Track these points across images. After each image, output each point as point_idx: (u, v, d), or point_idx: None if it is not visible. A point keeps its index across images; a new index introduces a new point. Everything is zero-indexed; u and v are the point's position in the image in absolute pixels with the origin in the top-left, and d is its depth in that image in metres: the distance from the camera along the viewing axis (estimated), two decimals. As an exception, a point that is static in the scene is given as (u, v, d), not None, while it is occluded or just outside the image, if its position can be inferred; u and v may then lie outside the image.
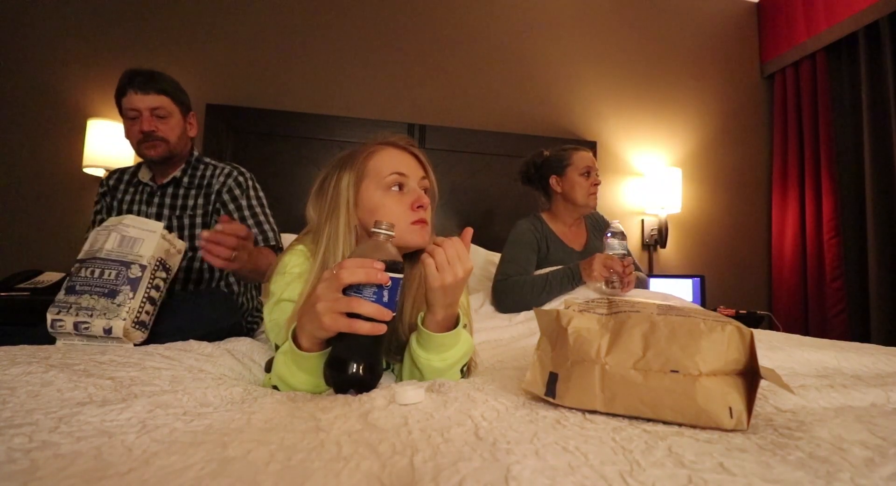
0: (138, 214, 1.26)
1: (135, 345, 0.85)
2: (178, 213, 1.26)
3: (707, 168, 2.50)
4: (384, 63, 2.21)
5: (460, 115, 2.25)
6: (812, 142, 2.30)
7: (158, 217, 1.25)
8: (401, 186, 0.73)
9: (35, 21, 1.93)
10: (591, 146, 2.33)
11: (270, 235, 1.27)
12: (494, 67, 2.31)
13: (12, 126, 1.88)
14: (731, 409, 0.38)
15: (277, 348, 0.71)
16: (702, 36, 2.57)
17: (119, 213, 1.27)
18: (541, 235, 1.54)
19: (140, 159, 1.31)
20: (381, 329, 0.52)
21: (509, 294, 1.38)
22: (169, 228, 1.23)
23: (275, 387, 0.66)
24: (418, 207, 0.71)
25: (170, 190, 1.28)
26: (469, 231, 0.66)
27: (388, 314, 0.52)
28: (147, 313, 0.88)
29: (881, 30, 2.00)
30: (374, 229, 0.55)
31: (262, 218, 1.28)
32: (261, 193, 1.33)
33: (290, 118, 2.05)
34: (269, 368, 0.71)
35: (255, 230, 1.26)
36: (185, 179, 1.29)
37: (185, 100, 1.28)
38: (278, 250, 1.30)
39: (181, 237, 1.24)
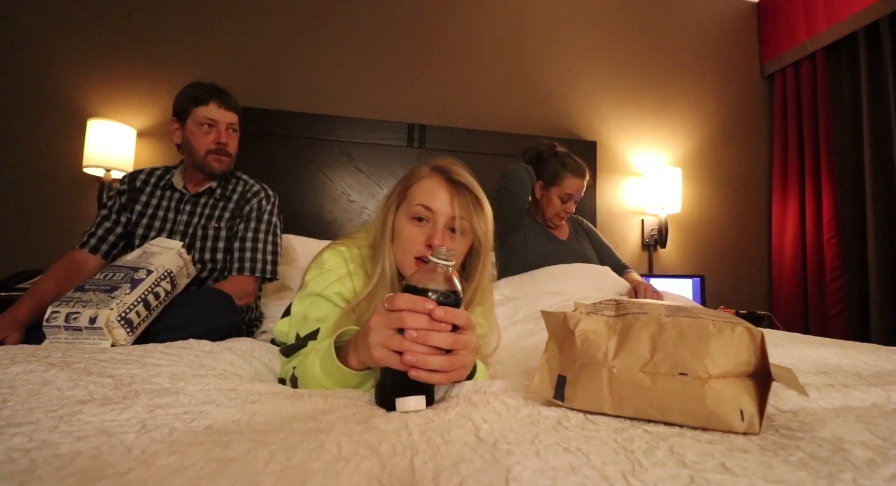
0: (165, 220, 1.27)
1: (112, 346, 0.82)
2: (204, 222, 1.27)
3: (707, 168, 2.50)
4: (384, 63, 2.21)
5: (460, 115, 2.25)
6: (812, 142, 2.30)
7: (187, 225, 1.26)
8: (423, 219, 0.73)
9: (35, 21, 1.93)
10: (592, 146, 2.33)
11: (259, 265, 1.26)
12: (494, 67, 2.31)
13: (12, 126, 1.87)
14: (742, 412, 0.38)
15: (298, 337, 0.71)
16: (702, 36, 2.57)
17: (144, 215, 1.27)
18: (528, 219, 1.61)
19: (148, 165, 1.32)
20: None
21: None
22: (194, 236, 1.25)
23: (282, 380, 0.65)
24: (429, 246, 0.70)
25: (202, 199, 1.30)
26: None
27: None
28: (138, 313, 0.88)
29: (881, 30, 2.00)
30: (430, 257, 0.51)
31: (261, 245, 1.28)
32: (275, 219, 1.34)
33: (290, 118, 2.05)
34: (287, 352, 0.71)
35: (247, 255, 1.25)
36: (218, 191, 1.31)
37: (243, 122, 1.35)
38: (266, 280, 1.30)
39: (202, 248, 1.25)
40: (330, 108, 2.12)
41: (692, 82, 2.53)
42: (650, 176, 2.33)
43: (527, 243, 1.54)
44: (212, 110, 1.24)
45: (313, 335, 0.70)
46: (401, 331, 0.47)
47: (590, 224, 1.83)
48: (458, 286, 0.51)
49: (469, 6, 2.31)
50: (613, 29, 2.46)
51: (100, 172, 1.87)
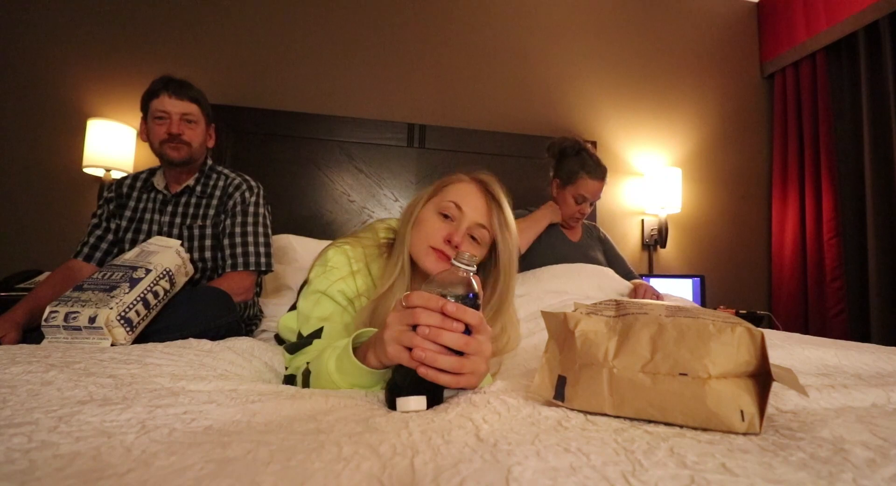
0: (151, 222, 1.26)
1: (112, 346, 0.82)
2: (188, 222, 1.26)
3: (707, 168, 2.50)
4: (384, 63, 2.21)
5: (460, 115, 2.25)
6: (812, 142, 2.30)
7: (171, 226, 1.26)
8: (450, 216, 0.74)
9: (35, 21, 1.93)
10: (592, 146, 2.32)
11: (253, 259, 1.24)
12: (494, 67, 2.31)
13: (12, 126, 1.88)
14: (742, 412, 0.38)
15: (301, 335, 0.72)
16: (702, 36, 2.57)
17: (132, 220, 1.27)
18: None
19: (145, 167, 1.31)
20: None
21: None
22: (180, 237, 1.24)
23: (289, 377, 0.65)
24: (448, 241, 0.71)
25: (182, 199, 1.28)
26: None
27: None
28: (137, 313, 0.88)
29: (881, 30, 2.00)
30: (453, 261, 0.51)
31: (251, 238, 1.26)
32: (262, 210, 1.31)
33: (290, 118, 2.05)
34: (291, 350, 0.72)
35: (238, 250, 1.24)
36: (198, 189, 1.29)
37: (210, 111, 1.31)
38: (262, 272, 1.29)
39: (190, 248, 1.24)
40: (330, 108, 2.12)
41: (692, 82, 2.53)
42: (650, 176, 2.33)
43: (540, 241, 1.53)
44: (163, 102, 1.21)
45: (317, 334, 0.70)
46: (416, 328, 0.47)
47: (606, 233, 1.80)
48: (478, 290, 0.51)
49: (469, 6, 2.31)
50: (613, 29, 2.46)
51: (100, 172, 1.87)
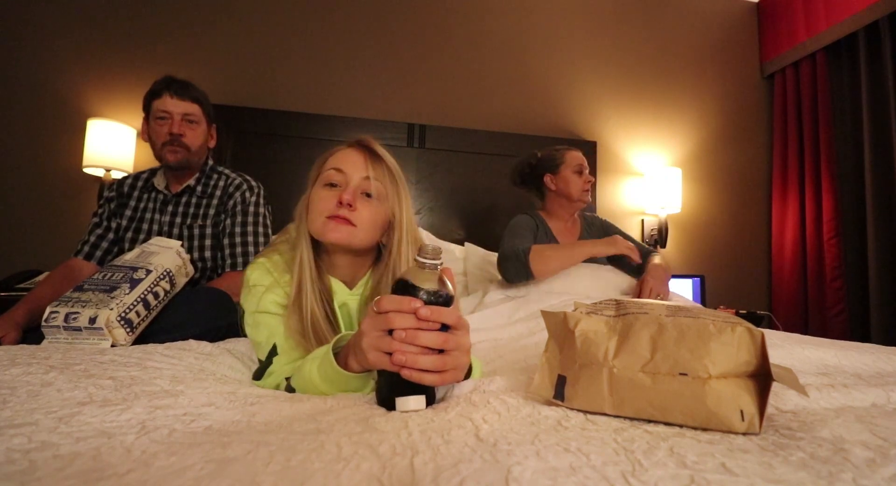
0: (151, 222, 1.27)
1: (112, 347, 0.82)
2: (188, 222, 1.26)
3: (707, 168, 2.50)
4: (384, 63, 2.21)
5: (460, 115, 2.25)
6: (812, 142, 2.30)
7: (171, 225, 1.26)
8: (336, 184, 0.73)
9: (35, 21, 1.93)
10: (591, 146, 2.33)
11: (252, 259, 1.24)
12: (494, 67, 2.31)
13: (12, 126, 1.88)
14: (742, 412, 0.38)
15: (261, 361, 0.71)
16: (702, 36, 2.57)
17: (133, 220, 1.27)
18: (538, 226, 1.57)
19: (145, 167, 1.31)
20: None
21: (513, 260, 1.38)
22: (180, 237, 1.24)
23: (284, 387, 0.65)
24: (340, 203, 0.70)
25: (183, 199, 1.29)
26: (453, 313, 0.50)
27: None
28: (137, 313, 0.88)
29: (881, 30, 2.00)
30: (417, 257, 0.49)
31: (251, 238, 1.26)
32: (262, 210, 1.31)
33: (290, 118, 2.05)
34: (257, 376, 0.71)
35: (238, 250, 1.24)
36: (199, 189, 1.29)
37: (211, 112, 1.31)
38: None
39: (190, 248, 1.24)
40: (330, 108, 2.12)
41: (692, 82, 2.53)
42: (650, 176, 2.33)
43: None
44: (165, 102, 1.22)
45: (274, 351, 0.70)
46: (391, 332, 0.47)
47: (607, 220, 1.76)
48: (449, 286, 0.50)
49: (470, 6, 2.31)
50: (614, 29, 2.46)
51: (100, 172, 1.87)
